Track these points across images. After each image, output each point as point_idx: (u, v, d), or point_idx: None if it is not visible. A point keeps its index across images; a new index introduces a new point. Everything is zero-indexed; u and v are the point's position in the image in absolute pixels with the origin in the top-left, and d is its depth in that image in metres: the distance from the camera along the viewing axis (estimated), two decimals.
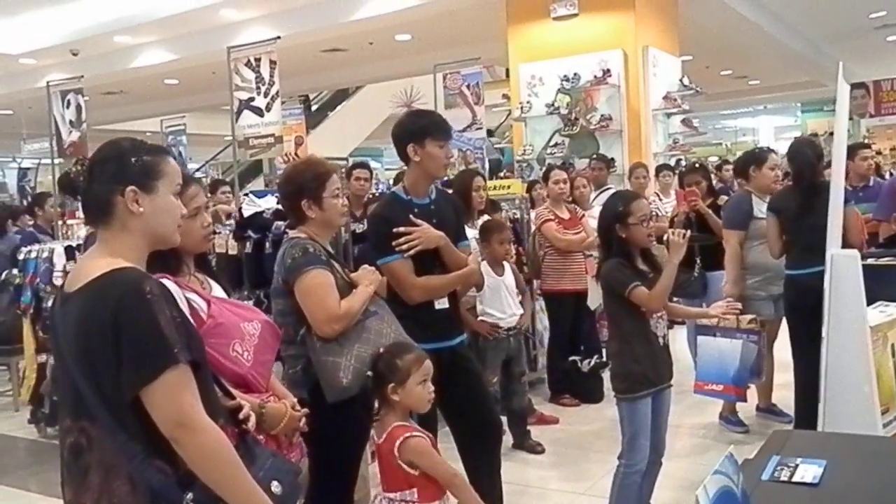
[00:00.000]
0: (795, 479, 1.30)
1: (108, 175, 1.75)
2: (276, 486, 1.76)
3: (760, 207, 4.89)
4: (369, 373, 2.63)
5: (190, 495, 1.64)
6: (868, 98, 11.01)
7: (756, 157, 5.11)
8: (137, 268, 1.73)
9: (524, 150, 9.24)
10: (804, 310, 4.42)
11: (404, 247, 3.15)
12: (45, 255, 5.44)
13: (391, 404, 2.62)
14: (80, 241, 5.24)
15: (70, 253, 5.27)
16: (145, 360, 1.62)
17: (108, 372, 1.63)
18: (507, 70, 10.84)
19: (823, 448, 1.42)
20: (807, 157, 4.67)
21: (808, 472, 1.31)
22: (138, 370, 1.61)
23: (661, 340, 3.33)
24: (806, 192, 4.51)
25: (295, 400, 2.38)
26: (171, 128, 12.73)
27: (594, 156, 8.00)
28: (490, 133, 12.06)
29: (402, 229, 3.16)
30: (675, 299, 4.26)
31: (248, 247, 4.31)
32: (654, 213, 3.41)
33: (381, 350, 2.66)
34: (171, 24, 11.58)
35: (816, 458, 1.31)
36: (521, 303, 4.90)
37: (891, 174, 8.83)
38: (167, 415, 1.62)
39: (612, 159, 8.62)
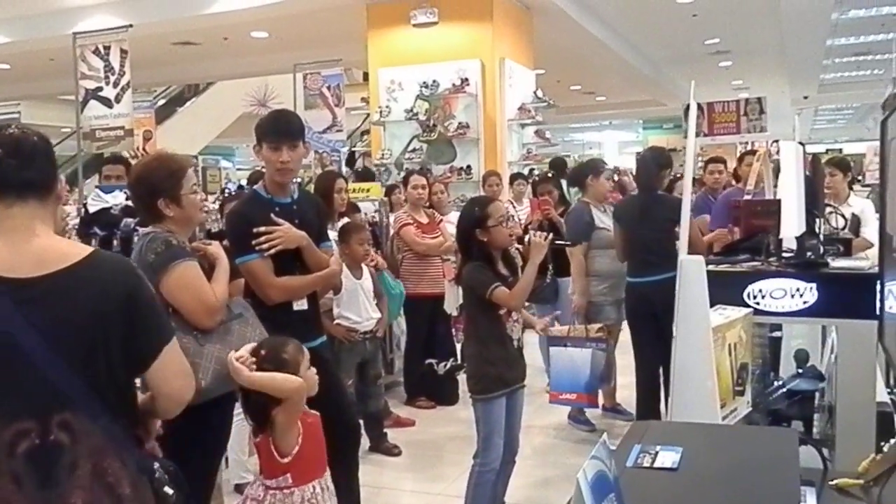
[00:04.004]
0: (657, 464, 1.40)
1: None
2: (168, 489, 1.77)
3: (600, 217, 5.13)
4: None
5: (157, 464, 1.76)
6: (703, 118, 11.78)
7: (593, 168, 5.37)
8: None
9: (382, 155, 9.26)
10: (642, 315, 4.71)
11: (264, 245, 3.08)
12: None
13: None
14: None
15: None
16: (165, 328, 1.81)
17: (113, 349, 1.65)
18: (365, 73, 10.83)
19: (679, 436, 1.52)
20: (648, 168, 4.93)
21: (668, 458, 1.42)
22: (160, 336, 1.76)
23: (515, 343, 3.44)
24: (645, 202, 4.76)
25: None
26: (4, 116, 11.85)
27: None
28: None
29: (262, 228, 3.09)
30: (527, 305, 4.41)
31: (94, 244, 4.07)
32: (510, 216, 3.50)
33: (262, 352, 2.61)
34: (4, 4, 10.76)
35: (674, 445, 1.43)
36: (378, 306, 4.91)
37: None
38: (180, 369, 1.83)
39: (469, 167, 8.82)
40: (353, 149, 12.22)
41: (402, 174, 7.35)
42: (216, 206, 6.00)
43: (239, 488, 3.91)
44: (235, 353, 2.59)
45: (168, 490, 1.67)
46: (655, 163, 4.92)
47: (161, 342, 1.74)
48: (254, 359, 2.58)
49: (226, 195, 7.95)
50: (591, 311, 5.05)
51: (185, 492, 1.82)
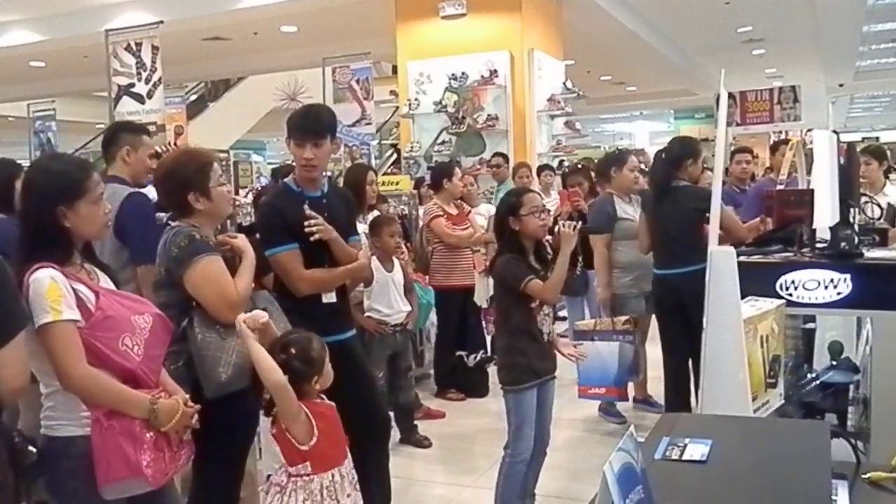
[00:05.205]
0: (685, 457, 1.40)
1: None
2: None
3: (624, 208, 5.09)
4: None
5: (15, 432, 1.79)
6: (735, 108, 11.64)
7: (617, 159, 5.33)
8: None
9: (412, 147, 9.28)
10: (670, 306, 4.66)
11: (313, 229, 3.09)
12: None
13: (310, 395, 2.63)
14: None
15: None
16: (18, 317, 1.82)
17: None
18: (394, 67, 10.84)
19: (708, 429, 1.52)
20: (658, 161, 4.91)
21: (697, 450, 1.41)
22: (13, 324, 1.78)
23: (545, 336, 3.43)
24: (655, 196, 4.74)
25: (187, 396, 2.30)
26: (40, 112, 12.03)
27: (493, 154, 8.11)
28: None
29: (309, 212, 3.10)
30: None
31: None
32: (545, 208, 3.49)
33: (291, 351, 2.59)
34: (39, 3, 10.93)
35: (703, 437, 1.42)
36: (408, 299, 4.93)
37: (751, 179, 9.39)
38: (18, 363, 1.78)
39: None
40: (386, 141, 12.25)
41: (432, 166, 7.35)
42: (248, 199, 6.05)
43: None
44: (245, 314, 2.55)
45: (32, 448, 1.71)
46: (668, 157, 4.85)
47: (11, 331, 1.75)
48: (264, 319, 2.56)
49: (258, 189, 8.02)
50: (616, 304, 5.02)
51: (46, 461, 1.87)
